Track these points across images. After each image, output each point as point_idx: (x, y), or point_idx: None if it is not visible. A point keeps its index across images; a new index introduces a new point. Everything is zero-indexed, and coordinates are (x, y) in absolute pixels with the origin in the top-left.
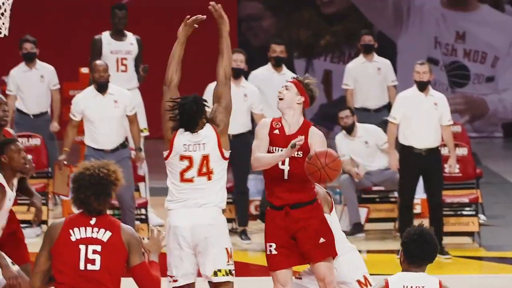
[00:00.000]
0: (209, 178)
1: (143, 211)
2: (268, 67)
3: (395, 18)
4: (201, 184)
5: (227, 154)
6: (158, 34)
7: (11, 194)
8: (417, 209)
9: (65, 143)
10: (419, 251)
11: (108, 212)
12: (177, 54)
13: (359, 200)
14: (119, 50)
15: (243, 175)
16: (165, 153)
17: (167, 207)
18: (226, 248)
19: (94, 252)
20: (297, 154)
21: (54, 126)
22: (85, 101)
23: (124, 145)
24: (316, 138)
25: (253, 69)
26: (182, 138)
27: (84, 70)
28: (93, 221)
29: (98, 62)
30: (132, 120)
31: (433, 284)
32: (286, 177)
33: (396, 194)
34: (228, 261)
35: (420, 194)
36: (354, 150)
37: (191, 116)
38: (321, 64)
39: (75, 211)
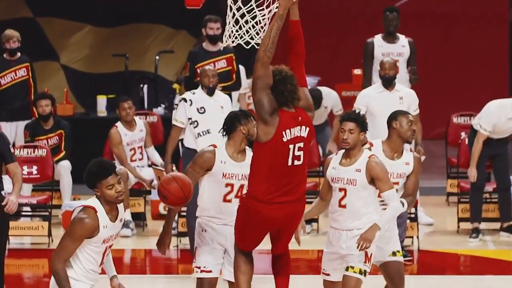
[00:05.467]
0: None
1: (413, 210)
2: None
3: None
4: None
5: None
6: (430, 37)
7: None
8: None
9: None
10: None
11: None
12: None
13: None
14: (390, 52)
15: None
16: None
17: None
18: None
19: (299, 149)
20: None
21: None
22: (369, 96)
23: None
24: None
25: None
26: None
27: (357, 71)
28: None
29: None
30: (416, 120)
31: None
32: None
33: None
34: None
35: None
36: None
37: None
38: None
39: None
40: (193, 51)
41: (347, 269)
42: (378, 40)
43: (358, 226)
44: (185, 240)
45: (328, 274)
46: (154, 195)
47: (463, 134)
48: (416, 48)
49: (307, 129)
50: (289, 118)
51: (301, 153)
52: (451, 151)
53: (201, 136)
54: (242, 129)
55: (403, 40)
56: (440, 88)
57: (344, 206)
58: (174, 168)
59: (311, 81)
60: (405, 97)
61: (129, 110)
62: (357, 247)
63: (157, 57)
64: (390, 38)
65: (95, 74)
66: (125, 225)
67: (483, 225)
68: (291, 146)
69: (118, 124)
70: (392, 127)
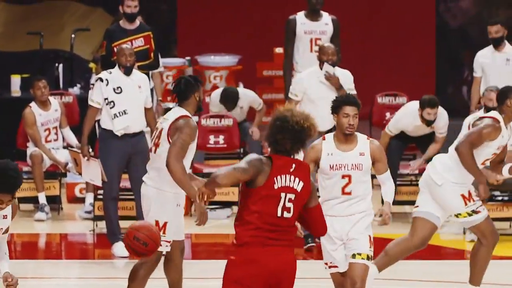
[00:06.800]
0: None
1: None
2: None
3: None
4: None
5: None
6: (354, 14)
7: None
8: None
9: None
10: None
11: None
12: None
13: None
14: (313, 30)
15: None
16: None
17: None
18: None
19: (290, 200)
20: None
21: None
22: (308, 82)
23: None
24: None
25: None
26: None
27: (279, 50)
28: (292, 168)
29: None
30: None
31: None
32: None
33: None
34: None
35: None
36: None
37: None
38: None
39: None
40: (110, 29)
41: (353, 256)
42: (300, 17)
43: (360, 210)
44: (102, 224)
45: (336, 266)
46: (69, 178)
47: (388, 115)
48: (340, 26)
49: (301, 183)
50: (283, 163)
51: (291, 205)
52: (376, 131)
53: (117, 117)
54: (195, 97)
55: (326, 18)
56: (364, 67)
57: (349, 193)
58: (90, 150)
59: (231, 59)
60: (342, 79)
61: (44, 89)
62: (379, 223)
63: (73, 35)
64: (314, 15)
65: (9, 52)
66: (40, 208)
67: (408, 209)
68: (282, 195)
69: (32, 104)
70: (506, 104)
